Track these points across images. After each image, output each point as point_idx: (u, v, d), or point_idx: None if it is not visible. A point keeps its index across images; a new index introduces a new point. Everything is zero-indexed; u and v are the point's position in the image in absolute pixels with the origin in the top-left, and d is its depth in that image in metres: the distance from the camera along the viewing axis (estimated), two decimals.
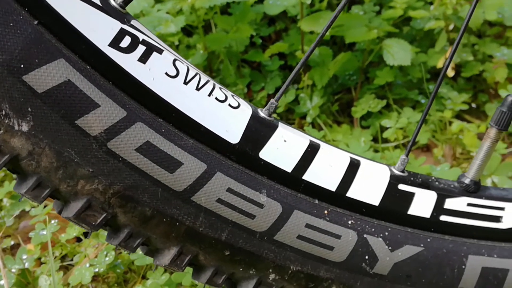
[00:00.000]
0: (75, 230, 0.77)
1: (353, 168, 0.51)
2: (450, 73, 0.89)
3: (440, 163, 0.84)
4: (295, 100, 0.95)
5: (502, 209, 0.55)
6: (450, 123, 0.88)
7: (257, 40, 1.01)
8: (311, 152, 0.50)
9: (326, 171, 0.50)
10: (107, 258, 0.68)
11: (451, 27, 0.92)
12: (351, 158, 0.52)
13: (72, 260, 0.78)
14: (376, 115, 0.89)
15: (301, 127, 0.91)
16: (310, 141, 0.50)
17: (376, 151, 0.85)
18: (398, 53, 0.84)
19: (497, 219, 0.54)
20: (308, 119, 0.91)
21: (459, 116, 0.94)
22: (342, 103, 0.99)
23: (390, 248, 0.52)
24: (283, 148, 0.49)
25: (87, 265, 0.68)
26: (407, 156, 0.53)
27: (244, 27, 0.94)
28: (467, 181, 0.54)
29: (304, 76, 0.93)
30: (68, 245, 0.79)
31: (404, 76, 0.94)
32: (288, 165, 0.49)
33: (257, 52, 0.99)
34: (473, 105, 0.92)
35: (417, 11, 0.90)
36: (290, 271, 0.50)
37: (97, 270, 0.68)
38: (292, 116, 0.97)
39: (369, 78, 0.95)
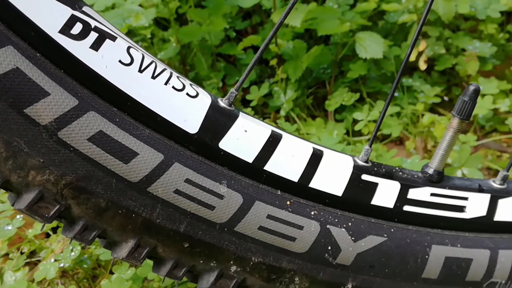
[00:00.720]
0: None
1: (315, 158, 0.51)
2: (423, 66, 0.89)
3: (412, 155, 0.84)
4: (270, 94, 0.95)
5: (465, 199, 0.55)
6: (423, 116, 0.89)
7: (231, 33, 1.01)
8: (272, 142, 0.49)
9: (288, 162, 0.50)
10: (72, 253, 0.66)
11: None
12: (314, 148, 0.51)
13: (40, 256, 0.76)
14: (349, 109, 0.89)
15: (276, 121, 0.90)
16: (272, 131, 0.50)
17: (349, 144, 0.85)
18: (370, 46, 0.84)
19: (460, 209, 0.54)
20: (282, 112, 0.91)
21: (432, 109, 0.95)
22: (317, 97, 0.99)
23: (353, 238, 0.51)
24: (243, 138, 0.48)
25: (52, 260, 0.67)
26: (370, 146, 0.53)
27: (217, 20, 0.93)
28: (430, 171, 0.54)
29: (278, 70, 0.93)
30: (36, 241, 0.77)
31: (378, 69, 0.94)
32: (249, 156, 0.48)
33: (231, 46, 0.98)
34: (446, 98, 0.93)
35: (390, 5, 0.90)
36: (251, 263, 0.49)
37: (62, 265, 0.66)
38: (267, 110, 0.96)
39: (344, 71, 0.95)
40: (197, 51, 0.94)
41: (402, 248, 0.53)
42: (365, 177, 0.52)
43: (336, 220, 0.51)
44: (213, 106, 0.47)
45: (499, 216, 0.55)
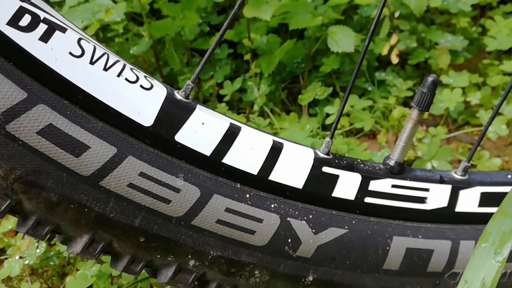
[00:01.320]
0: (10, 223, 0.75)
1: (275, 151, 0.50)
2: (395, 60, 0.89)
3: (384, 149, 0.84)
4: (246, 89, 0.94)
5: (426, 190, 0.55)
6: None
7: (204, 28, 1.00)
8: (231, 135, 0.49)
9: (247, 155, 0.49)
10: (38, 250, 0.66)
11: (396, 14, 0.92)
12: (273, 141, 0.51)
13: (8, 254, 0.75)
14: (323, 103, 0.89)
15: (249, 116, 0.90)
16: (231, 123, 0.49)
17: (323, 138, 0.85)
18: (342, 40, 0.84)
19: (421, 200, 0.55)
20: (255, 107, 0.90)
21: (406, 103, 0.95)
22: (293, 92, 0.99)
23: (313, 231, 0.51)
24: (201, 131, 0.47)
25: (17, 257, 0.66)
26: (331, 139, 0.53)
27: (191, 15, 0.92)
28: (391, 163, 0.54)
29: (252, 64, 0.92)
30: (5, 239, 0.76)
31: (352, 64, 0.94)
32: (206, 149, 0.48)
33: (205, 40, 0.97)
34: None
35: None
36: (210, 257, 0.49)
37: (27, 262, 0.66)
38: (242, 105, 0.96)
39: (318, 66, 0.95)
40: (170, 46, 0.94)
41: (363, 240, 0.53)
42: (326, 169, 0.52)
43: (297, 213, 0.51)
44: (169, 99, 0.47)
45: (460, 207, 0.55)
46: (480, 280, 0.35)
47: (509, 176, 0.57)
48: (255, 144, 0.50)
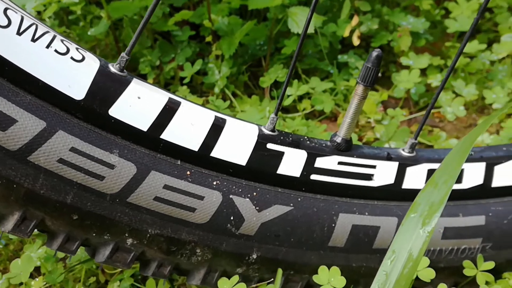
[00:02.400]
0: None
1: (217, 127, 0.49)
2: (356, 42, 0.88)
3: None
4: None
5: (373, 167, 0.54)
6: None
7: (165, 9, 0.98)
8: (169, 110, 0.47)
9: (187, 130, 0.48)
10: None
11: None
12: (216, 117, 0.50)
13: None
14: (295, 85, 0.88)
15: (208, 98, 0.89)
16: (169, 98, 0.48)
17: (284, 120, 0.84)
18: (302, 21, 0.83)
19: (368, 177, 0.54)
20: (216, 89, 0.89)
21: None
22: (257, 74, 0.97)
23: (257, 208, 0.51)
24: (136, 105, 0.46)
25: None
26: (276, 115, 0.52)
27: None
28: (338, 139, 0.54)
29: (213, 46, 0.91)
30: None
31: (315, 46, 0.93)
32: (143, 124, 0.46)
33: (165, 22, 0.95)
34: (379, 74, 0.93)
35: None
36: (148, 235, 0.48)
37: None
38: (204, 88, 0.95)
39: (280, 48, 0.94)
40: (127, 27, 0.91)
41: (309, 217, 0.52)
42: (270, 146, 0.51)
43: (240, 190, 0.50)
44: (102, 71, 0.45)
45: (407, 184, 0.55)
46: (407, 251, 0.35)
47: None
48: (196, 120, 0.49)
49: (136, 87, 0.46)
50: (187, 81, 0.89)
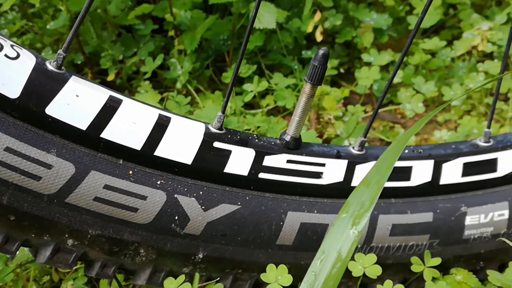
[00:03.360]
0: None
1: (161, 125, 0.49)
2: (319, 37, 0.88)
3: (307, 127, 0.84)
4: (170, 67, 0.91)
5: (323, 165, 0.54)
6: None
7: (127, 2, 0.96)
8: (110, 108, 0.46)
9: (128, 129, 0.47)
10: None
11: None
12: (160, 115, 0.49)
13: None
14: (248, 81, 0.88)
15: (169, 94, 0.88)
16: (110, 96, 0.47)
17: (244, 116, 0.84)
18: (264, 16, 0.82)
19: (317, 175, 0.54)
20: (178, 85, 0.88)
21: (335, 82, 0.95)
22: (222, 70, 0.97)
23: (203, 207, 0.50)
24: (75, 103, 0.45)
25: None
26: (223, 113, 0.52)
27: None
28: (287, 138, 0.53)
29: (176, 41, 0.89)
30: None
31: (279, 43, 0.93)
32: (82, 122, 0.45)
33: (126, 16, 0.93)
34: (342, 70, 0.93)
35: None
36: (89, 236, 0.47)
37: None
38: (166, 83, 0.93)
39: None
40: (86, 21, 0.89)
41: (257, 216, 0.52)
42: (217, 144, 0.51)
43: (186, 189, 0.50)
44: (38, 69, 0.44)
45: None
46: (336, 250, 0.35)
47: (407, 151, 0.58)
48: (138, 118, 0.48)
49: (74, 85, 0.45)
50: (148, 76, 0.88)
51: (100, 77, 0.96)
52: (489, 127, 0.59)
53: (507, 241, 0.51)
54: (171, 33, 0.91)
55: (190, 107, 0.83)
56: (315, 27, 0.89)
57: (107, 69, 0.92)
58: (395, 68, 0.52)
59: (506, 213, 0.58)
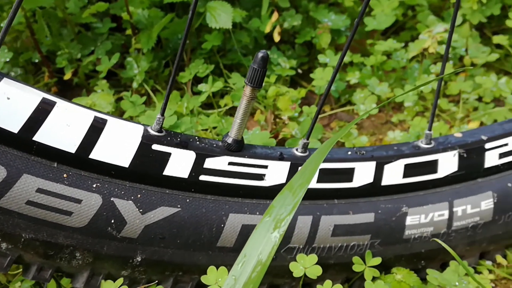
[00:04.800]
0: None
1: (97, 128, 0.48)
2: (276, 38, 0.88)
3: (264, 128, 0.84)
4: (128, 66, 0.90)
5: (265, 167, 0.55)
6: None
7: (84, 1, 0.94)
8: (43, 110, 0.46)
9: (62, 132, 0.47)
10: None
11: None
12: (95, 117, 0.49)
13: None
14: (205, 81, 0.87)
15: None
16: (43, 98, 0.46)
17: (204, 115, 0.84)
18: (220, 15, 0.82)
19: (260, 177, 0.55)
20: (134, 84, 0.87)
21: (295, 82, 0.95)
22: (182, 69, 0.96)
23: (141, 210, 0.50)
24: (6, 106, 0.44)
25: None
26: (162, 115, 0.51)
27: None
28: (229, 140, 0.53)
29: (133, 40, 0.88)
30: None
31: (238, 43, 0.93)
32: (13, 125, 0.45)
33: (81, 13, 0.92)
34: (300, 70, 0.93)
35: None
36: (23, 239, 0.46)
37: None
38: (123, 82, 0.92)
39: (202, 42, 0.92)
40: (40, 18, 0.88)
41: (197, 218, 0.52)
42: (156, 147, 0.51)
43: (123, 192, 0.49)
44: None
45: None
46: (257, 254, 0.35)
47: (349, 153, 0.58)
48: (72, 121, 0.47)
49: (5, 87, 0.44)
50: (103, 75, 0.87)
51: (57, 76, 0.95)
52: (430, 129, 0.61)
53: (440, 241, 0.52)
54: (129, 31, 0.90)
55: (145, 107, 0.82)
56: (275, 27, 0.89)
57: (62, 68, 0.91)
58: (334, 71, 0.53)
59: (446, 213, 0.59)
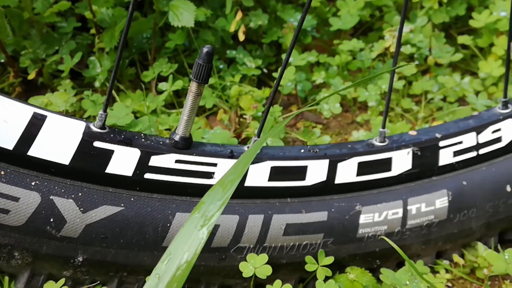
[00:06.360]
0: None
1: (35, 124, 0.47)
2: (241, 37, 0.88)
3: (228, 128, 0.83)
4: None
5: (214, 165, 0.54)
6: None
7: (49, 1, 0.93)
8: None
9: None
10: None
11: None
12: (34, 113, 0.47)
13: None
14: (170, 80, 0.86)
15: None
16: None
17: (170, 115, 0.82)
18: (182, 14, 0.81)
19: (209, 175, 0.54)
20: (97, 83, 0.86)
21: (263, 82, 0.95)
22: (146, 68, 0.95)
23: (82, 209, 0.49)
24: None
25: None
26: (104, 111, 0.50)
27: None
28: (176, 137, 0.52)
29: (96, 39, 0.87)
30: None
31: (204, 42, 0.92)
32: None
33: (50, 14, 0.90)
34: (265, 70, 0.93)
35: None
36: None
37: None
38: (86, 81, 0.91)
39: (167, 41, 0.92)
40: (1, 17, 0.86)
41: (141, 218, 0.51)
42: (98, 144, 0.49)
43: (63, 191, 0.48)
44: None
45: (250, 182, 0.55)
46: (183, 251, 0.34)
47: (302, 151, 0.58)
48: (10, 117, 0.46)
49: None
50: (65, 74, 0.86)
51: (23, 76, 0.93)
52: (383, 127, 0.60)
53: (387, 239, 0.51)
54: (93, 31, 0.89)
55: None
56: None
57: (25, 67, 0.89)
58: (281, 68, 0.52)
59: (400, 211, 0.59)
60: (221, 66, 0.91)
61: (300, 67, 0.90)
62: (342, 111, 0.92)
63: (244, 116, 0.79)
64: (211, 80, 0.86)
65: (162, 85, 0.81)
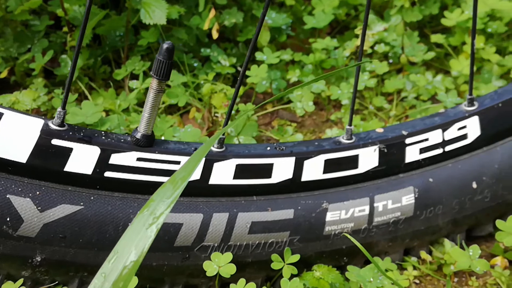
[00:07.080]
0: None
1: None
2: (215, 35, 0.87)
3: (201, 126, 0.83)
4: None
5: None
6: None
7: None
8: None
9: None
10: None
11: None
12: None
13: None
14: (140, 78, 0.85)
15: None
16: None
17: (138, 113, 0.82)
18: (154, 11, 0.80)
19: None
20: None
21: (236, 80, 0.94)
22: (119, 66, 0.94)
23: (39, 208, 0.48)
24: None
25: None
26: (63, 109, 0.49)
27: None
28: (138, 135, 0.52)
29: (68, 37, 0.86)
30: None
31: (178, 40, 0.91)
32: None
33: (22, 12, 0.89)
34: (239, 68, 0.93)
35: None
36: None
37: None
38: (57, 80, 0.90)
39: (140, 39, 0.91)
40: None
41: (102, 217, 0.50)
42: (56, 142, 0.49)
43: (20, 189, 0.47)
44: None
45: (214, 180, 0.55)
46: (130, 250, 0.33)
47: (268, 149, 0.57)
48: None
49: None
50: (36, 73, 0.84)
51: None
52: (350, 124, 0.60)
53: (350, 237, 0.51)
54: (65, 29, 0.88)
55: (76, 105, 0.80)
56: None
57: None
58: (244, 61, 0.52)
59: (366, 208, 0.59)
60: (195, 64, 0.91)
61: (275, 66, 0.89)
62: (317, 110, 0.92)
63: (216, 114, 0.79)
64: (184, 78, 0.85)
65: (133, 83, 0.80)
